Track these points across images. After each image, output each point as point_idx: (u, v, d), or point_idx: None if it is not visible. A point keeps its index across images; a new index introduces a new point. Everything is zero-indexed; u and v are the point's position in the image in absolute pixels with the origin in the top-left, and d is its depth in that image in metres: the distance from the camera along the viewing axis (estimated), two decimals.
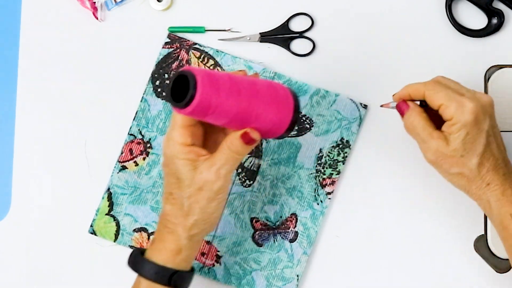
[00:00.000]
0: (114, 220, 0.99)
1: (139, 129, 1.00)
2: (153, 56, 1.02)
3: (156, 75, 1.01)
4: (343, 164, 0.99)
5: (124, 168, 0.99)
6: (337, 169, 0.99)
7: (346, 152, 0.99)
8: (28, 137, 1.02)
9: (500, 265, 0.97)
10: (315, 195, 0.99)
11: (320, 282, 0.99)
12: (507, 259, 0.97)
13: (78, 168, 1.01)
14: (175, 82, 0.81)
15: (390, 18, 1.02)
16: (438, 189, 0.99)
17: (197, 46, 1.01)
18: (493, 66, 1.00)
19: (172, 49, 1.01)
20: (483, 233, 0.98)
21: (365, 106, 1.00)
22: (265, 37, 1.02)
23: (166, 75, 1.01)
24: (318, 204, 0.99)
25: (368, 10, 1.02)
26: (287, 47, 1.02)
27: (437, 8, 1.02)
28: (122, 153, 1.00)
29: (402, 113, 0.90)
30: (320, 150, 1.00)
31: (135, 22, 1.03)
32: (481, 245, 0.98)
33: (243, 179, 0.99)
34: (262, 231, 0.99)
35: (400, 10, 1.02)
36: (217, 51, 1.01)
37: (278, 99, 0.87)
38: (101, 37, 1.03)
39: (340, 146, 0.99)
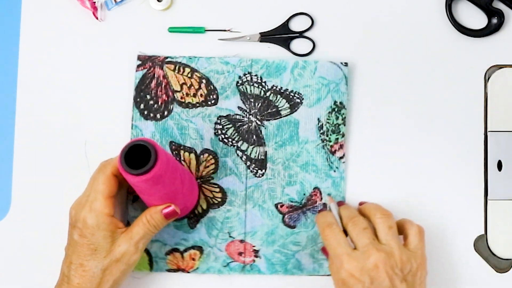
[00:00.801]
0: (144, 250, 0.98)
1: None
2: (155, 52, 1.02)
3: (138, 99, 1.00)
4: (344, 125, 0.99)
5: (136, 198, 0.98)
6: (341, 132, 0.99)
7: (343, 114, 0.99)
8: (28, 137, 1.02)
9: (500, 265, 0.97)
10: (329, 164, 0.99)
11: None
12: (507, 259, 0.97)
13: (78, 168, 1.01)
14: (128, 152, 0.85)
15: (390, 18, 1.02)
16: (438, 189, 0.99)
17: (169, 59, 1.01)
18: (493, 66, 1.00)
19: (146, 69, 1.00)
20: (483, 233, 0.98)
21: (346, 64, 1.00)
22: (265, 37, 1.02)
23: (148, 96, 1.00)
24: (334, 171, 0.99)
25: (368, 10, 1.02)
26: (287, 47, 1.02)
27: (437, 8, 1.02)
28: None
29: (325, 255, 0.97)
30: (318, 120, 1.00)
31: (135, 22, 1.03)
32: (481, 245, 0.98)
33: (255, 170, 0.99)
34: (290, 213, 0.99)
35: (400, 10, 1.02)
36: (190, 58, 1.01)
37: (193, 182, 0.95)
38: (101, 37, 1.03)
39: (336, 109, 0.99)
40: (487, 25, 1.01)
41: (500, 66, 1.00)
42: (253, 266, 0.98)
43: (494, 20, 1.00)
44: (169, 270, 0.98)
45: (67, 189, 1.01)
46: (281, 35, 1.02)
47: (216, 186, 0.99)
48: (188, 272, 0.98)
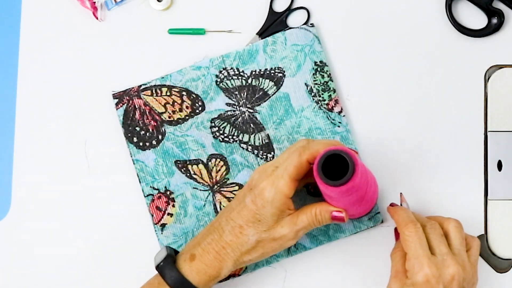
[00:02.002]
0: None
1: (151, 186, 0.99)
2: (153, 53, 1.02)
3: (129, 134, 1.00)
4: (332, 81, 1.00)
5: (163, 226, 0.99)
6: (331, 88, 1.00)
7: (327, 71, 1.00)
8: (28, 137, 1.02)
9: (500, 265, 0.97)
10: (331, 121, 0.99)
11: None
12: (507, 259, 0.97)
13: (78, 168, 1.01)
14: (325, 161, 0.85)
15: (390, 18, 1.02)
16: (438, 189, 0.99)
17: (143, 86, 1.01)
18: (493, 66, 1.00)
19: (125, 104, 1.00)
20: (483, 233, 0.98)
21: (312, 25, 1.00)
22: (264, 34, 1.02)
23: (137, 128, 1.00)
24: (339, 126, 0.99)
25: (368, 10, 1.02)
26: None
27: (437, 8, 1.02)
28: (152, 215, 0.99)
29: (395, 238, 0.94)
30: (306, 85, 1.00)
31: (135, 22, 1.03)
32: (481, 245, 0.98)
33: (264, 156, 0.99)
34: (311, 182, 0.97)
35: (400, 10, 1.02)
36: (163, 77, 1.01)
37: (375, 192, 0.93)
38: (101, 37, 1.03)
39: (318, 69, 1.00)
40: (487, 25, 1.01)
41: (500, 66, 1.00)
42: (297, 245, 0.98)
43: (494, 20, 1.00)
44: (220, 281, 0.96)
45: (67, 189, 1.01)
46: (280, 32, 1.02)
47: (234, 185, 0.99)
48: (239, 275, 0.98)
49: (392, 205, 0.95)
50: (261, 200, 0.88)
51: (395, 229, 0.94)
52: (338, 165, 0.86)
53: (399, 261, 0.89)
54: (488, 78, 0.99)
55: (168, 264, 0.89)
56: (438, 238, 0.89)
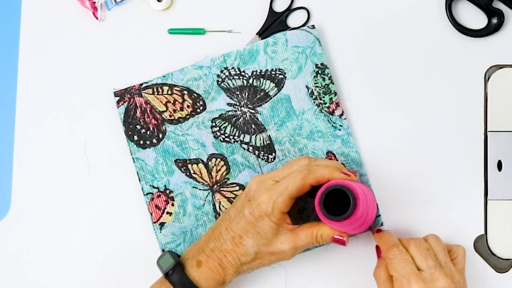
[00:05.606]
0: None
1: (150, 185, 1.00)
2: (152, 53, 1.02)
3: (130, 132, 1.00)
4: (333, 84, 1.00)
5: (162, 224, 0.99)
6: (332, 91, 1.00)
7: (328, 73, 1.00)
8: (28, 137, 1.02)
9: (500, 265, 0.97)
10: (332, 125, 0.99)
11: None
12: (507, 259, 0.97)
13: (78, 168, 1.01)
14: (327, 195, 0.87)
15: (390, 18, 1.02)
16: (438, 189, 0.99)
17: (144, 85, 1.01)
18: (493, 66, 1.00)
19: (126, 102, 1.01)
20: (483, 233, 0.98)
21: (313, 26, 1.00)
22: (264, 34, 1.02)
23: (138, 126, 1.00)
24: (340, 130, 0.99)
25: (368, 10, 1.02)
26: None
27: (437, 8, 1.02)
28: (151, 213, 0.99)
29: (377, 255, 0.96)
30: (307, 87, 1.00)
31: (135, 22, 1.03)
32: (481, 245, 0.98)
33: (265, 157, 1.00)
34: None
35: (400, 10, 1.02)
36: (164, 76, 1.01)
37: (374, 211, 0.95)
38: (101, 37, 1.03)
39: (320, 72, 1.00)
40: (487, 25, 1.01)
41: (500, 66, 1.00)
42: None
43: (494, 20, 1.00)
44: None
45: (67, 189, 1.01)
46: (280, 32, 1.02)
47: (234, 185, 0.99)
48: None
49: (378, 231, 0.96)
50: (258, 213, 0.90)
51: (377, 247, 0.95)
52: (338, 195, 0.87)
53: (385, 282, 0.90)
54: (488, 78, 0.99)
55: (179, 272, 0.90)
56: (425, 253, 0.90)
